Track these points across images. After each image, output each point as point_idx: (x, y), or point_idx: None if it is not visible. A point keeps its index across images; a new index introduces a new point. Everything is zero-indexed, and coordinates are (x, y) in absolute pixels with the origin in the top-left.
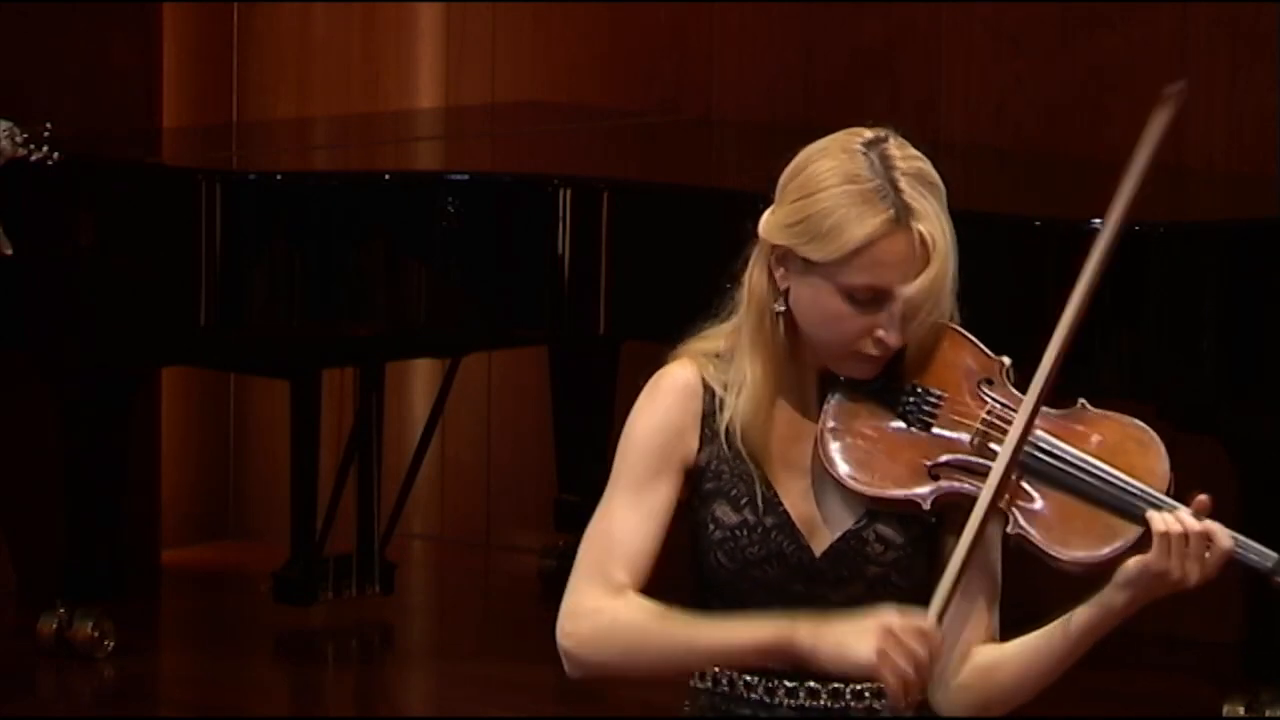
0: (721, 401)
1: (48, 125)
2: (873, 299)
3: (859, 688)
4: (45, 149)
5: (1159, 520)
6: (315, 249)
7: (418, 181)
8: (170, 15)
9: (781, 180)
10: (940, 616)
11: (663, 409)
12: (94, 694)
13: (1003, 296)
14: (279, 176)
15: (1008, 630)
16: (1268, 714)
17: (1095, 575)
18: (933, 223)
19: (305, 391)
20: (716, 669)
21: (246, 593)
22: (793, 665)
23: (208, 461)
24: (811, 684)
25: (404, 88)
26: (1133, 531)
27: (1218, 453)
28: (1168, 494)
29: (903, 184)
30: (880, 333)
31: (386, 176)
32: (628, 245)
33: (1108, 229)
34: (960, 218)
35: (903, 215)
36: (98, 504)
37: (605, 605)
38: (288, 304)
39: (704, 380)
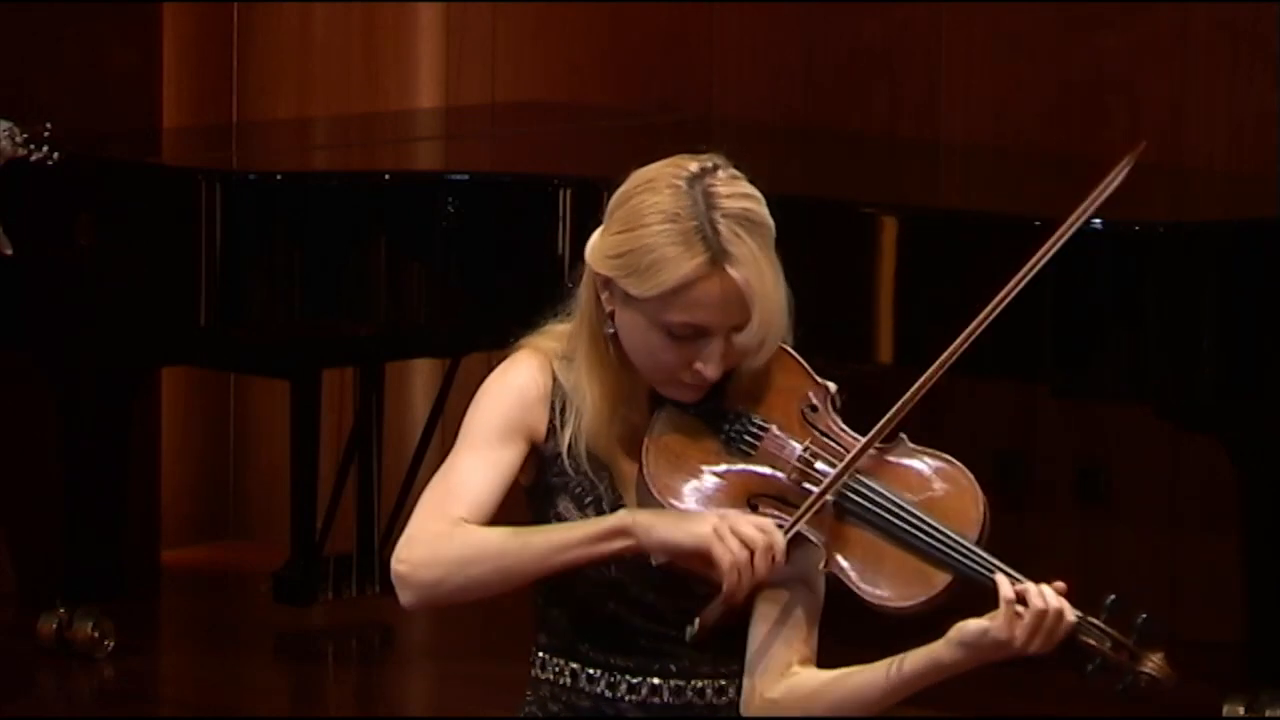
0: (567, 406)
1: (48, 125)
2: (692, 334)
3: (701, 684)
4: (45, 149)
5: (1007, 589)
6: (315, 249)
7: (418, 181)
8: (170, 15)
9: (610, 205)
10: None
11: (516, 382)
12: (94, 694)
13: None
14: (279, 176)
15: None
16: (1268, 714)
17: (912, 618)
18: (749, 268)
19: (305, 391)
20: (560, 661)
21: (246, 593)
22: (630, 544)
23: (208, 461)
24: (654, 680)
25: (404, 88)
26: (941, 581)
27: (1218, 453)
28: (979, 541)
29: (722, 226)
30: (699, 365)
31: (386, 176)
32: None
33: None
34: (960, 218)
35: (719, 258)
36: (98, 504)
37: (442, 529)
38: (288, 304)
39: (554, 373)
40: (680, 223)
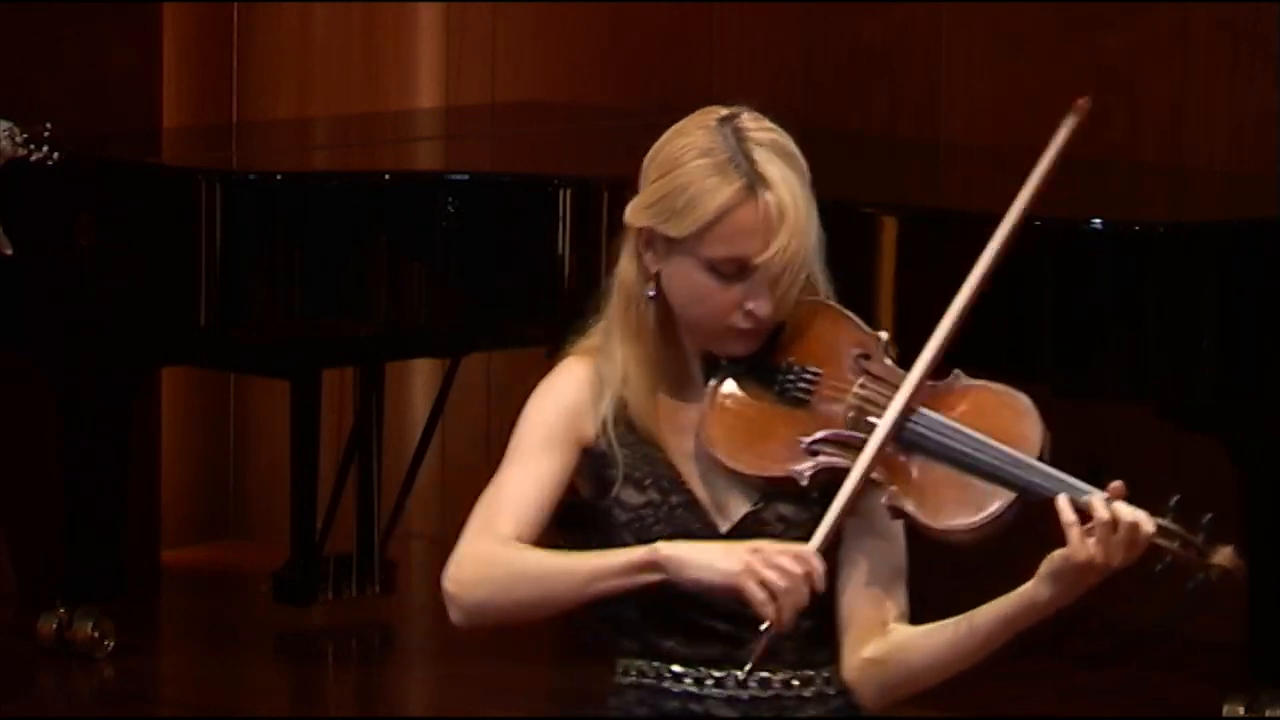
0: (605, 389)
1: (48, 125)
2: (737, 271)
3: (787, 676)
4: (45, 149)
5: (1066, 510)
6: (315, 249)
7: (418, 181)
8: (170, 15)
9: (644, 165)
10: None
11: (558, 391)
12: (94, 694)
13: (1001, 296)
14: (279, 176)
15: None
16: (1268, 714)
17: (979, 544)
18: (782, 190)
19: (305, 391)
20: (643, 662)
21: (246, 593)
22: (663, 578)
23: (208, 461)
24: (737, 673)
25: (404, 88)
26: (1003, 499)
27: (1218, 453)
28: (1041, 459)
29: (756, 154)
30: (750, 305)
31: (386, 176)
32: None
33: (1010, 217)
34: (960, 218)
35: (755, 183)
36: (98, 504)
37: (489, 549)
38: (288, 304)
39: (598, 372)
40: (714, 156)
